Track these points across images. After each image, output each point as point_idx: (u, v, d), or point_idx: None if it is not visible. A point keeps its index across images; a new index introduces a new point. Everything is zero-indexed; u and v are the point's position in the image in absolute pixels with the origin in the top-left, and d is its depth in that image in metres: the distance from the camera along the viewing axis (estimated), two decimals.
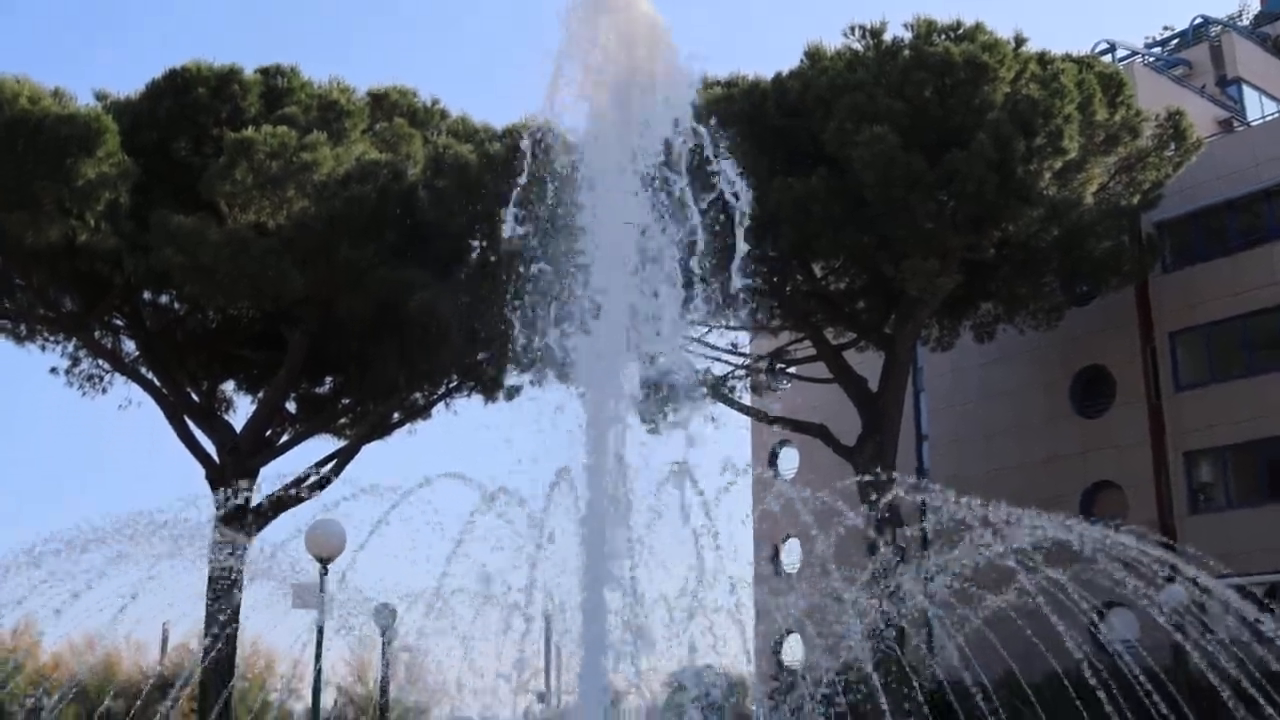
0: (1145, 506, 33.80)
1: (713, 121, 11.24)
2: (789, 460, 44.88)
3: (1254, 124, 40.57)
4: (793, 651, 33.24)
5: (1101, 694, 10.17)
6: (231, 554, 12.58)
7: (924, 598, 12.32)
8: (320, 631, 16.93)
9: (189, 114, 28.24)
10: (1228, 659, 12.42)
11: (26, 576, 10.45)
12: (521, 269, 10.98)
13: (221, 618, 20.76)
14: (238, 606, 19.77)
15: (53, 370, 32.67)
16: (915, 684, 13.53)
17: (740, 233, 10.29)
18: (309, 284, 27.52)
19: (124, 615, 10.57)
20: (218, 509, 20.00)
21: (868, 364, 32.72)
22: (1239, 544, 30.65)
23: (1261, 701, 11.41)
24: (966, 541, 10.82)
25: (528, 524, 9.49)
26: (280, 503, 30.15)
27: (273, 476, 32.14)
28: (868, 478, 12.64)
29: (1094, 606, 11.83)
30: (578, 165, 10.80)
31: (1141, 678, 12.21)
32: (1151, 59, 44.45)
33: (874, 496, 12.28)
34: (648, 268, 10.38)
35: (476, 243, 29.06)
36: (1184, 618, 18.17)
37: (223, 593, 13.78)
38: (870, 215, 27.52)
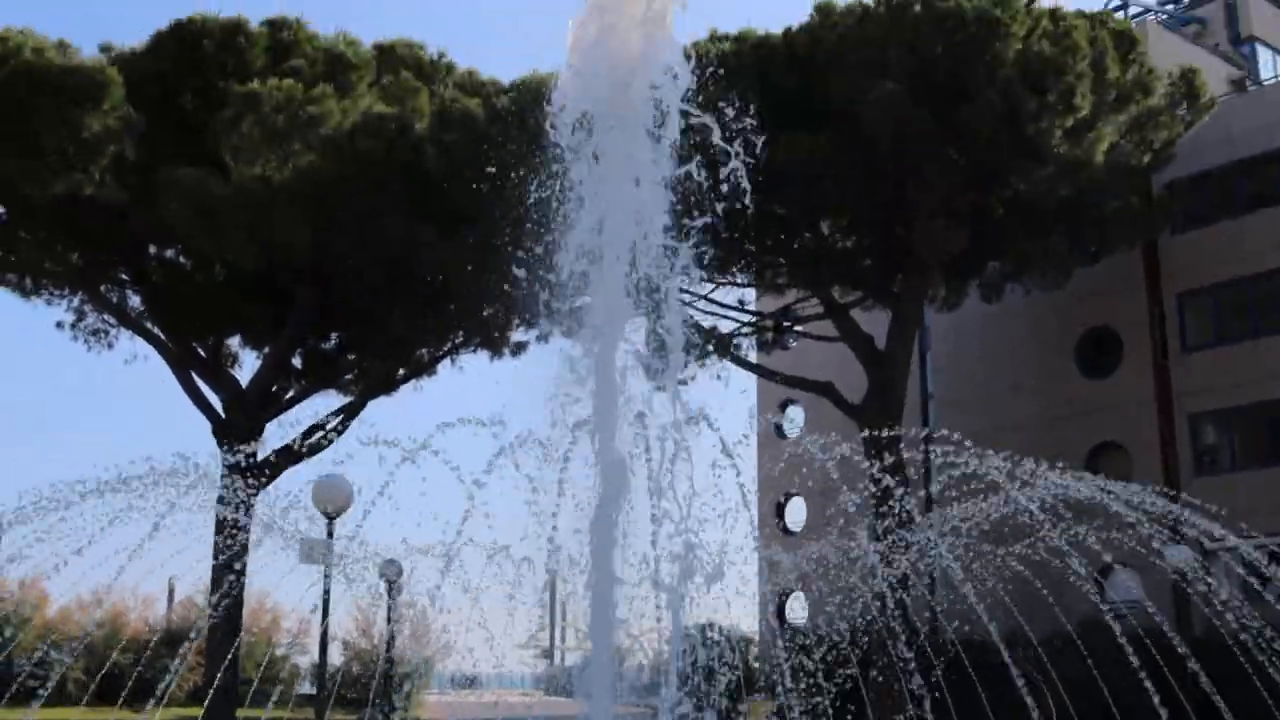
0: (1150, 468, 33.75)
1: (719, 74, 11.11)
2: (795, 419, 44.90)
3: (1267, 84, 40.25)
4: (796, 610, 33.39)
5: (1113, 652, 10.16)
6: (238, 507, 12.55)
7: (933, 554, 12.30)
8: (327, 586, 16.96)
9: (194, 67, 28.05)
10: (1233, 618, 12.43)
11: (32, 527, 10.41)
12: (530, 224, 10.92)
13: (229, 573, 20.81)
14: (245, 560, 19.80)
15: (58, 325, 32.68)
16: (924, 641, 13.53)
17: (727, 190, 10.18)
18: (315, 239, 27.43)
19: (130, 569, 10.54)
20: (224, 460, 20.03)
21: (874, 322, 32.63)
22: (1243, 506, 30.66)
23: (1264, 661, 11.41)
24: (980, 497, 10.77)
25: (543, 472, 9.44)
26: (286, 457, 30.17)
27: (278, 433, 32.17)
28: (874, 433, 12.55)
29: (1097, 566, 11.82)
30: (583, 121, 10.69)
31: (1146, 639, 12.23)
32: (1164, 16, 44.09)
33: (881, 452, 12.22)
34: (652, 223, 10.31)
35: (483, 197, 28.90)
36: (1188, 578, 18.19)
37: (229, 546, 13.79)
38: (879, 173, 27.37)
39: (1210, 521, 11.19)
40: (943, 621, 15.40)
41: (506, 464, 9.48)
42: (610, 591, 9.10)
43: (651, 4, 10.36)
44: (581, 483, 9.46)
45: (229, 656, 26.65)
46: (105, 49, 28.70)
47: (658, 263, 10.28)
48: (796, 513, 43.75)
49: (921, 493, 14.13)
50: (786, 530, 42.82)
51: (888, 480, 11.36)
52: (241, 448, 24.09)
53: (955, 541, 12.02)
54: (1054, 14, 28.14)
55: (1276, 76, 41.54)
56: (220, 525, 12.64)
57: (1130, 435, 35.44)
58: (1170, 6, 47.03)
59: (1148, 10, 43.75)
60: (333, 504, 16.03)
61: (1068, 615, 14.42)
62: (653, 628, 9.73)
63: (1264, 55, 43.51)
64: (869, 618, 12.90)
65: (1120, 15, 37.51)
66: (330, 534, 15.46)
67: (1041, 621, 14.66)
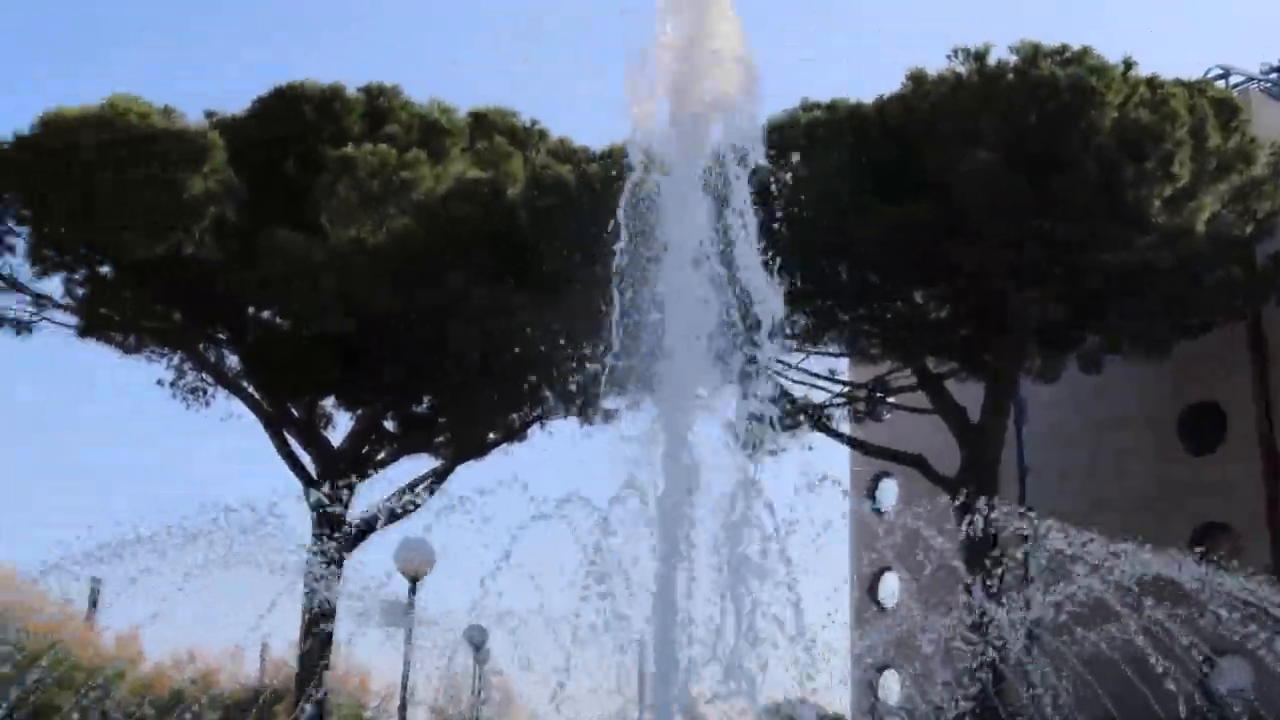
0: (1259, 551, 32.49)
1: (812, 143, 11.12)
2: (888, 492, 44.25)
3: None
4: (888, 687, 32.69)
5: None
6: (326, 572, 12.60)
7: (1022, 634, 11.94)
8: (408, 649, 16.92)
9: (294, 132, 28.69)
10: None
11: (125, 567, 10.46)
12: (618, 293, 10.90)
13: (317, 634, 20.86)
14: (333, 622, 19.86)
15: (159, 382, 33.28)
16: None
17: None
18: (408, 302, 27.71)
19: (220, 626, 10.62)
20: (314, 516, 20.11)
21: (969, 394, 32.07)
22: None
23: None
24: (1070, 576, 10.45)
25: (596, 540, 9.37)
26: (376, 519, 30.28)
27: (369, 494, 32.36)
28: (968, 508, 12.28)
29: (1205, 654, 11.35)
30: (662, 188, 10.77)
31: None
32: (1268, 85, 43.24)
33: (975, 527, 11.91)
34: (736, 292, 10.27)
35: (576, 263, 29.04)
36: None
37: (317, 609, 13.83)
38: (973, 242, 27.05)
39: None
40: (1032, 708, 14.94)
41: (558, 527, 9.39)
42: (674, 663, 8.95)
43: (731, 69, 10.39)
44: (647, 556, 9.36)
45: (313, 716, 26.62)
46: (209, 115, 29.45)
47: (745, 333, 10.21)
48: (890, 588, 43.00)
49: (1018, 570, 13.75)
50: (880, 606, 42.07)
51: (982, 557, 11.08)
52: (332, 507, 24.26)
53: (1051, 622, 11.66)
54: (1151, 82, 27.71)
55: None
56: (309, 589, 12.69)
57: (1237, 516, 34.28)
58: (1274, 75, 46.12)
59: (1251, 79, 42.94)
60: (415, 567, 16.00)
61: (1168, 704, 13.86)
62: (744, 708, 9.55)
63: None
64: (962, 698, 12.54)
65: (1221, 84, 36.82)
66: (412, 597, 15.43)
67: (1140, 712, 14.13)
